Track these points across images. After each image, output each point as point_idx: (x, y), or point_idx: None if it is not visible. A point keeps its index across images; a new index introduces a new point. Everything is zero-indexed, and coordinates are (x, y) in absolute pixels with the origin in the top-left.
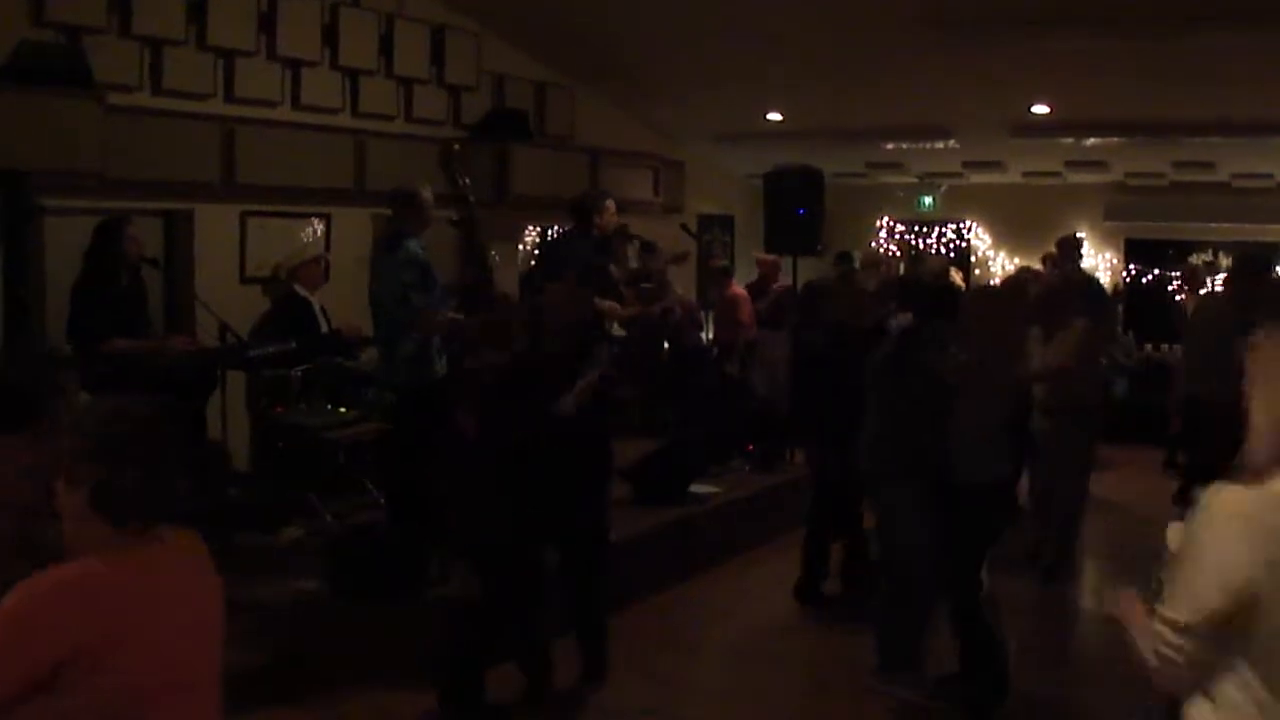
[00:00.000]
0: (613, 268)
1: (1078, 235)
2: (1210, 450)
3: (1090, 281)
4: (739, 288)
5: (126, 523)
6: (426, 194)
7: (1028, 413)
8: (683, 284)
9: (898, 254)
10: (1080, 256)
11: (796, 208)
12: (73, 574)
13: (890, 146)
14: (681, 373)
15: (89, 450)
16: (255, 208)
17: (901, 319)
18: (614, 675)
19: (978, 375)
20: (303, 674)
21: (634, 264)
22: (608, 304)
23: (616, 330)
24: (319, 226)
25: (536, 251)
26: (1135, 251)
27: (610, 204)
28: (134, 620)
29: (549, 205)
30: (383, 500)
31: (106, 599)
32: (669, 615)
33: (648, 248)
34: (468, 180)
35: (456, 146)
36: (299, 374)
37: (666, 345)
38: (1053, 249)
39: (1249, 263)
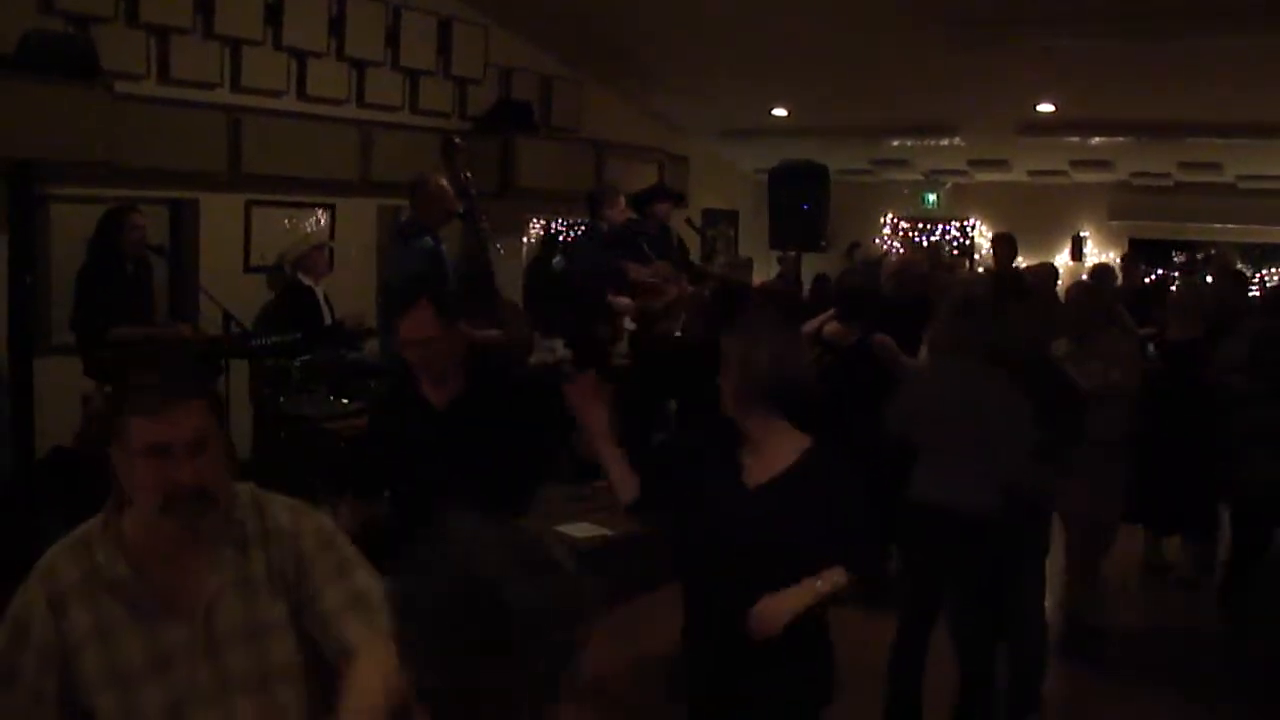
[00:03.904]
0: (630, 264)
1: (1011, 234)
2: None
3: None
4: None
5: None
6: (443, 184)
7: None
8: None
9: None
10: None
11: (801, 203)
12: None
13: (896, 143)
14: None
15: None
16: (260, 197)
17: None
18: None
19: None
20: None
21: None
22: (620, 300)
23: (629, 324)
24: (323, 217)
25: (541, 244)
26: (1140, 251)
27: (619, 199)
28: None
29: (554, 198)
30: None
31: None
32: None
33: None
34: (469, 174)
35: (457, 139)
36: (299, 364)
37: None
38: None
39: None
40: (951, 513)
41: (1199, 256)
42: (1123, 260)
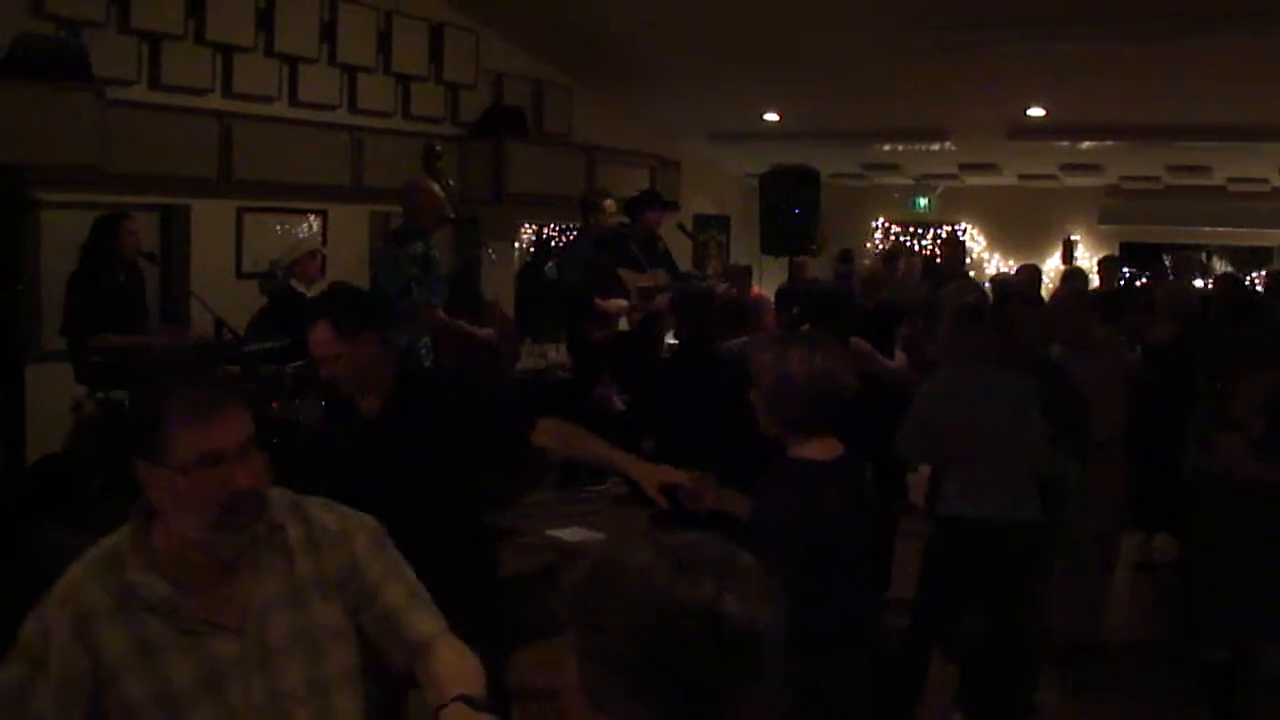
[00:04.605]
0: (622, 270)
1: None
2: None
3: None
4: (762, 289)
5: None
6: (435, 189)
7: None
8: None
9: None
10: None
11: (792, 208)
12: None
13: (887, 148)
14: None
15: None
16: (252, 204)
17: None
18: None
19: None
20: None
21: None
22: (611, 302)
23: (623, 326)
24: (315, 223)
25: (533, 249)
26: (1130, 254)
27: (607, 203)
28: None
29: (546, 203)
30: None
31: None
32: None
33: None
34: (450, 181)
35: (438, 147)
36: (291, 370)
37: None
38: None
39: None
40: (994, 525)
41: (1167, 261)
42: (1100, 264)
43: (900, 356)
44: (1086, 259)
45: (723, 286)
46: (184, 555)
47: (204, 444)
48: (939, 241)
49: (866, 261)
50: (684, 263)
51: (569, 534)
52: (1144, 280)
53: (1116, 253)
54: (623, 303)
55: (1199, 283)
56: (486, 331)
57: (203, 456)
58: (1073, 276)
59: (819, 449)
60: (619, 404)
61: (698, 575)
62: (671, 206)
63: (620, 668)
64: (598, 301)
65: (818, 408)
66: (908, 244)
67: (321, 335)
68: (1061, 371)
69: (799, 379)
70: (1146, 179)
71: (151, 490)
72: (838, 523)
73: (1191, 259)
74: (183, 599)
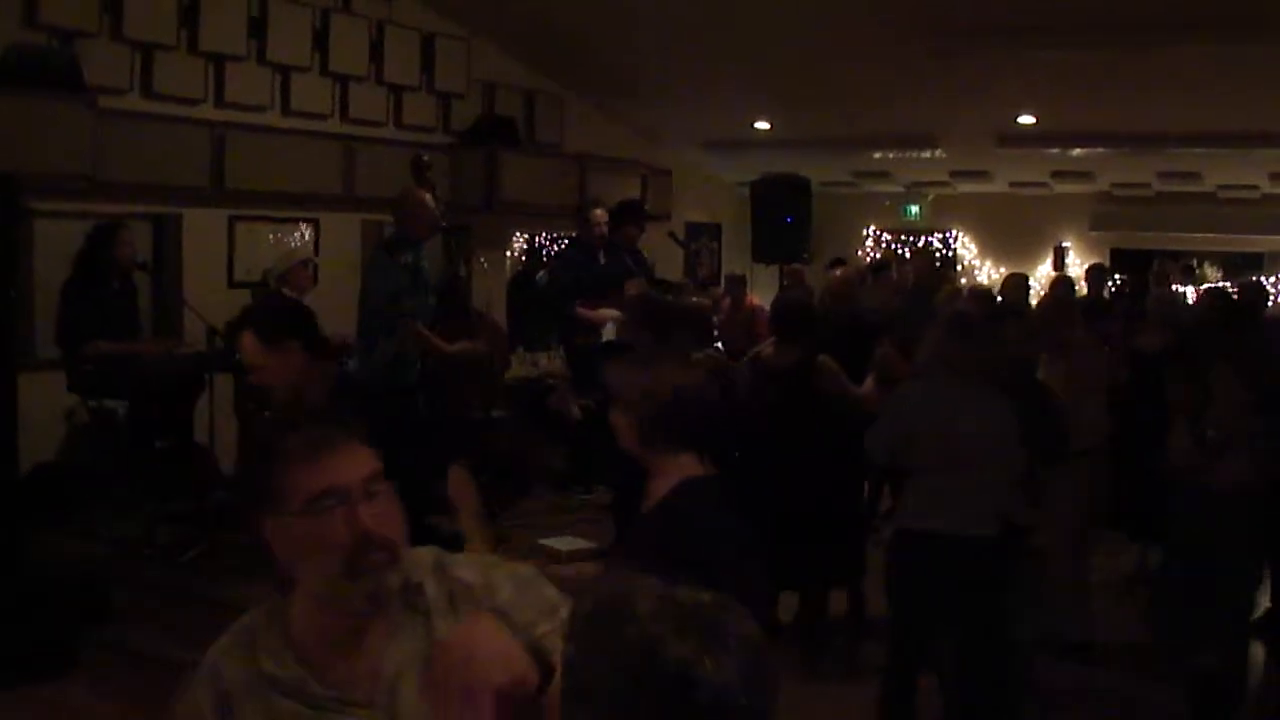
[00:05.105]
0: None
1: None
2: None
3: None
4: (756, 299)
5: None
6: (426, 198)
7: None
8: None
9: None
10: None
11: (784, 216)
12: None
13: (877, 156)
14: None
15: None
16: (244, 212)
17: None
18: None
19: None
20: None
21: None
22: (602, 311)
23: (608, 334)
24: (307, 232)
25: (525, 258)
26: (1121, 261)
27: (595, 213)
28: None
29: (538, 212)
30: None
31: None
32: None
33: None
34: (437, 191)
35: (425, 158)
36: None
37: None
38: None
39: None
40: (955, 539)
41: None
42: (1087, 272)
43: (869, 382)
44: (1077, 266)
45: (695, 299)
46: (317, 620)
47: (318, 482)
48: (910, 254)
49: (838, 271)
50: (675, 270)
51: (562, 543)
52: (1116, 286)
53: (1108, 260)
54: (614, 313)
55: (1184, 290)
56: (462, 345)
57: (319, 495)
58: (1059, 284)
59: (691, 465)
60: (576, 412)
61: (686, 633)
62: (645, 219)
63: (590, 705)
64: (586, 311)
65: (680, 423)
66: (899, 251)
67: (247, 344)
68: (1046, 396)
69: (668, 396)
70: (1137, 186)
71: (276, 546)
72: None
73: (1173, 267)
74: (311, 677)
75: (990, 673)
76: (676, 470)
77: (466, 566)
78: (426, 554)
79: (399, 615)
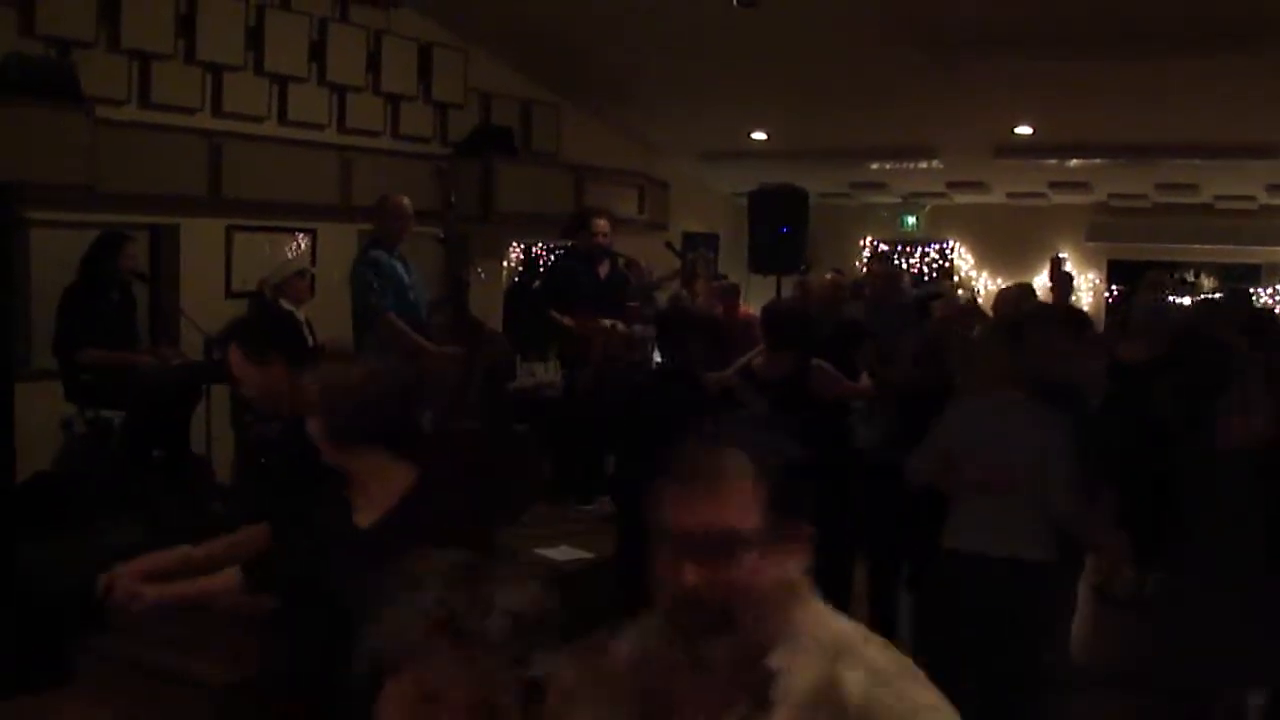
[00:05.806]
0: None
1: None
2: None
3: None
4: (750, 309)
5: None
6: (403, 203)
7: None
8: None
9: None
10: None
11: (780, 227)
12: None
13: (874, 166)
14: None
15: None
16: (241, 222)
17: None
18: None
19: None
20: None
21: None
22: (593, 323)
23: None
24: (305, 242)
25: (521, 268)
26: (1118, 272)
27: (596, 222)
28: None
29: (534, 222)
30: None
31: None
32: None
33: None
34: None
35: (444, 166)
36: None
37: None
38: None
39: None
40: (1008, 561)
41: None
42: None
43: (864, 378)
44: (1075, 276)
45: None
46: (644, 681)
47: (671, 515)
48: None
49: (828, 275)
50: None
51: (558, 553)
52: (1113, 297)
53: (1104, 270)
54: (605, 323)
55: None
56: (446, 350)
57: (669, 530)
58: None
59: (389, 462)
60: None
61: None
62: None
63: None
64: (579, 321)
65: (369, 420)
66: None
67: (233, 358)
68: (1083, 400)
69: (360, 395)
70: (1134, 197)
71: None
72: None
73: (1161, 279)
74: None
75: (1023, 701)
76: (387, 470)
77: (866, 672)
78: (822, 637)
79: (732, 693)
